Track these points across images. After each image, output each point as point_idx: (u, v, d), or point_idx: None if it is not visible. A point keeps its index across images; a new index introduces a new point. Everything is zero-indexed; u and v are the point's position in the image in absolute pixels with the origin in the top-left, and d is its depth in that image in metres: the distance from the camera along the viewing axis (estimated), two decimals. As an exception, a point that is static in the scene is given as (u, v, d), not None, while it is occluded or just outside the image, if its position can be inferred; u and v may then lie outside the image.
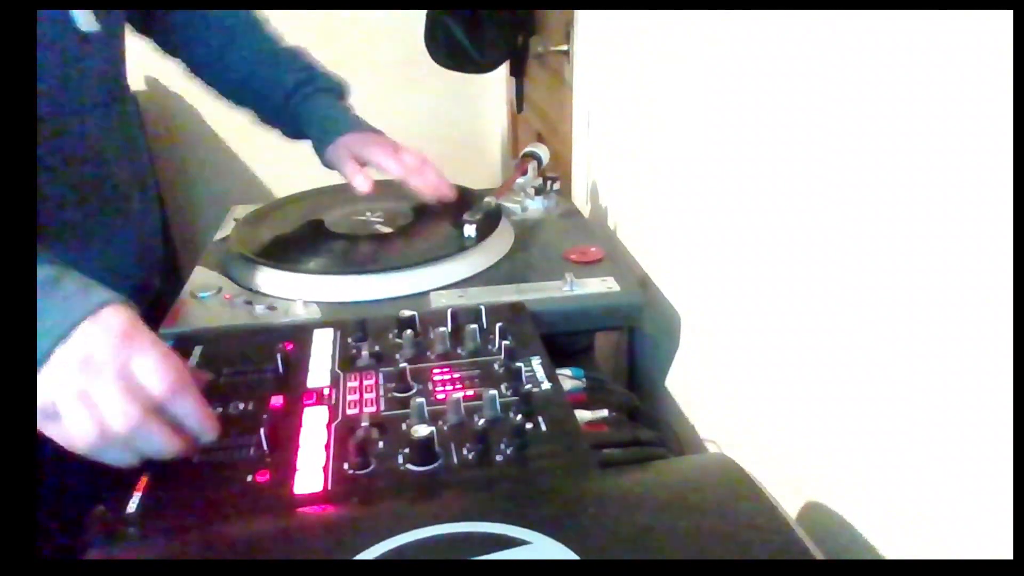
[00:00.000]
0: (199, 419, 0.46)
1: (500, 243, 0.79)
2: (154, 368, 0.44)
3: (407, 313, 0.61)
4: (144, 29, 0.81)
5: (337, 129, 0.83)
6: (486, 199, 0.83)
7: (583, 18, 1.02)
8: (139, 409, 0.43)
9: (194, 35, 0.82)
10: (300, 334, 0.61)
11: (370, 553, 0.35)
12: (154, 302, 0.78)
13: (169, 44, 0.82)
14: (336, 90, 0.87)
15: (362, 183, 0.80)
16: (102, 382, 0.43)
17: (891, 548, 0.43)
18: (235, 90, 0.86)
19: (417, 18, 1.38)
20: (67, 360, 0.43)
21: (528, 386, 0.52)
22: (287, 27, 1.60)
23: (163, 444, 0.44)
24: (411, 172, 0.82)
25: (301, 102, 0.84)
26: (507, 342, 0.57)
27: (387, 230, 0.82)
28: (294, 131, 0.86)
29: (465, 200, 0.86)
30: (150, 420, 0.44)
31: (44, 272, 0.46)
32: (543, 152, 0.93)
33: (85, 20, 0.63)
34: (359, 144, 0.82)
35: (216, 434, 0.47)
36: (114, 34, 0.68)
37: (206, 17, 0.82)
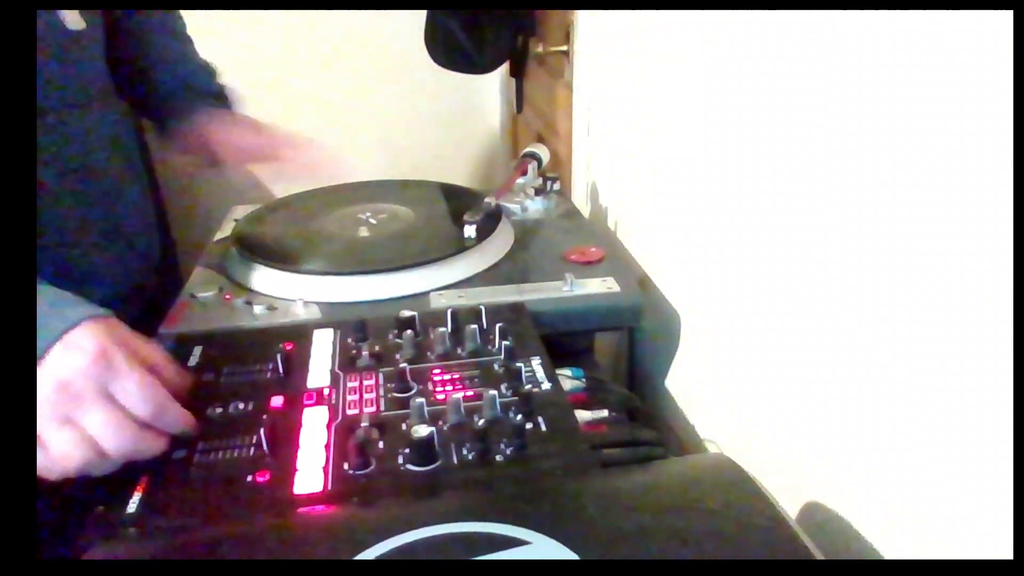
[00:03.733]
0: (182, 426, 0.47)
1: (500, 243, 0.79)
2: (135, 391, 0.44)
3: (407, 313, 0.61)
4: None
5: (198, 109, 0.82)
6: (486, 199, 0.83)
7: (583, 18, 1.02)
8: (133, 429, 0.44)
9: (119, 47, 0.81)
10: (300, 334, 0.61)
11: (370, 553, 0.35)
12: (152, 300, 0.78)
13: None
14: (218, 93, 0.87)
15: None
16: (86, 408, 0.43)
17: (891, 548, 0.43)
18: (144, 102, 0.86)
19: (417, 18, 1.38)
20: (41, 388, 0.43)
21: (528, 386, 0.52)
22: (287, 27, 1.61)
23: (154, 450, 0.45)
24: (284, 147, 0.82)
25: (184, 104, 0.83)
26: (507, 342, 0.57)
27: (387, 230, 0.82)
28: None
29: (465, 200, 0.86)
30: (143, 435, 0.45)
31: None
32: (543, 152, 0.93)
33: (72, 19, 0.63)
34: (232, 125, 0.82)
35: (195, 428, 0.48)
36: (98, 33, 0.69)
37: (131, 30, 0.81)
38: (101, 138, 0.67)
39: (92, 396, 0.43)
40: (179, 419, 0.47)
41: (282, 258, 0.74)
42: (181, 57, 0.86)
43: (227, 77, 0.91)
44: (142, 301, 0.75)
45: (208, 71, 0.87)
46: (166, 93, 0.84)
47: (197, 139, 0.82)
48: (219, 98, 0.87)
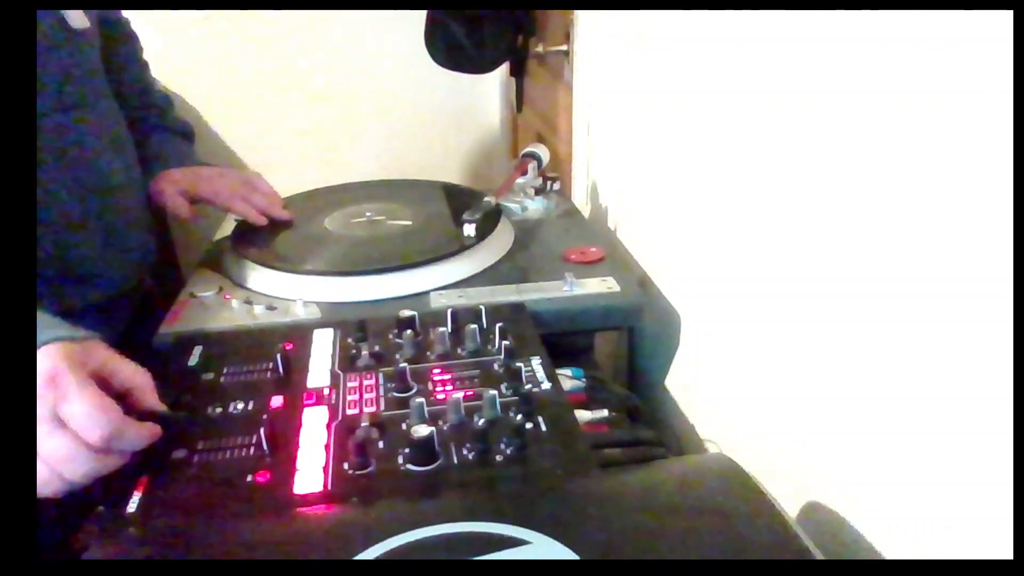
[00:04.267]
0: (143, 443, 0.45)
1: (500, 243, 0.79)
2: (84, 416, 0.42)
3: (407, 313, 0.61)
4: None
5: (162, 164, 0.84)
6: (486, 199, 0.83)
7: (583, 18, 1.02)
8: (84, 456, 0.42)
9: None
10: (300, 334, 0.61)
11: (370, 553, 0.35)
12: (148, 301, 0.78)
13: None
14: (180, 129, 0.89)
15: (185, 213, 0.82)
16: (42, 442, 0.41)
17: (891, 548, 0.43)
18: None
19: (417, 18, 1.38)
20: None
21: (528, 386, 0.52)
22: (287, 27, 1.61)
23: (112, 468, 0.44)
24: (233, 199, 0.83)
25: (142, 133, 0.84)
26: (507, 342, 0.57)
27: (387, 230, 0.82)
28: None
29: (465, 200, 0.86)
30: (96, 459, 0.43)
31: None
32: (543, 152, 0.93)
33: (77, 19, 0.63)
34: (184, 179, 0.83)
35: (155, 438, 0.46)
36: (97, 32, 0.69)
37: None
38: (101, 139, 0.67)
39: (44, 421, 0.42)
40: (137, 439, 0.45)
41: (282, 258, 0.74)
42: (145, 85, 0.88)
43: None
44: (138, 302, 0.75)
45: (167, 103, 0.89)
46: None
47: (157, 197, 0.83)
48: (182, 134, 0.89)
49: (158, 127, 0.87)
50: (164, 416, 0.48)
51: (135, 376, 0.48)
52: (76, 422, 0.42)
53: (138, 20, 0.91)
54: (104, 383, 0.45)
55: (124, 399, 0.46)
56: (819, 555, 0.35)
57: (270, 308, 0.67)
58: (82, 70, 0.65)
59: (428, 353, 0.58)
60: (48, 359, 0.43)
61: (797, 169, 0.49)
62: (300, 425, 0.49)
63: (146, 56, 0.91)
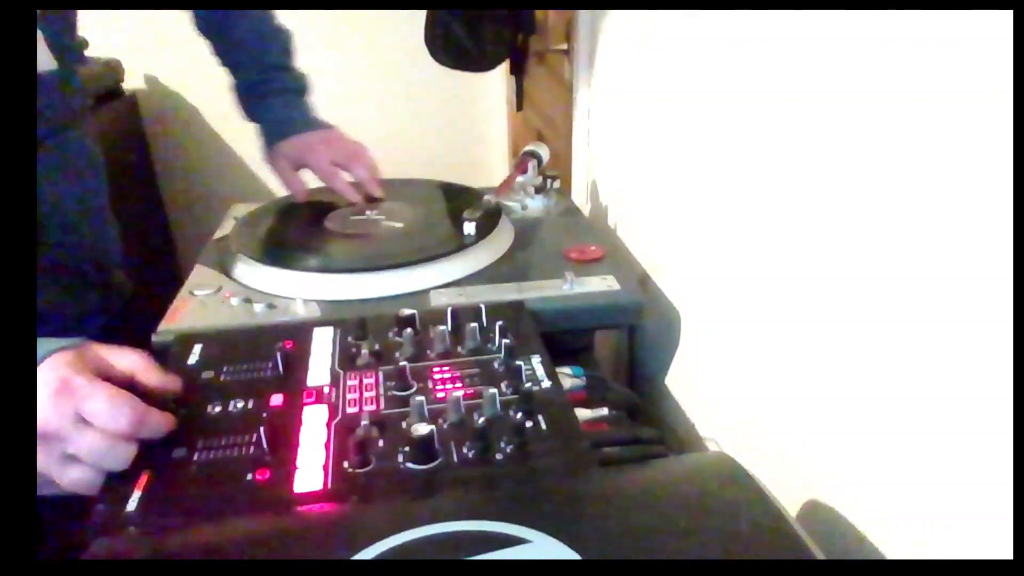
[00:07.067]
0: (164, 430, 0.47)
1: (500, 241, 0.79)
2: (106, 410, 0.44)
3: (407, 311, 0.61)
4: None
5: (281, 132, 0.89)
6: (486, 197, 0.83)
7: (583, 18, 1.02)
8: (121, 445, 0.44)
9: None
10: (300, 332, 0.61)
11: (370, 552, 0.35)
12: (143, 301, 0.76)
13: None
14: (295, 87, 0.91)
15: (299, 193, 0.89)
16: (72, 441, 0.43)
17: (891, 548, 0.43)
18: (227, 52, 0.90)
19: (417, 18, 1.38)
20: None
21: (528, 384, 0.52)
22: (286, 28, 1.60)
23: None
24: (332, 176, 0.88)
25: (260, 95, 0.89)
26: (507, 340, 0.57)
27: (387, 228, 0.82)
28: (251, 117, 0.92)
29: (465, 198, 0.86)
30: (133, 445, 0.45)
31: None
32: (543, 151, 0.93)
33: (44, 58, 0.60)
34: (293, 151, 0.89)
35: (173, 426, 0.48)
36: (70, 67, 0.65)
37: None
38: (55, 170, 0.63)
39: (70, 428, 0.43)
40: (160, 424, 0.47)
41: (282, 256, 0.74)
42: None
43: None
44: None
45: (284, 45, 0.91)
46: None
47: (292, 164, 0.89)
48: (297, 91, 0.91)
49: (276, 90, 0.89)
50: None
51: (133, 361, 0.49)
52: (101, 417, 0.44)
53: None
54: (107, 379, 0.46)
55: (132, 387, 0.48)
56: (819, 555, 0.35)
57: (270, 306, 0.67)
58: (47, 108, 0.61)
59: (428, 351, 0.58)
60: (52, 370, 0.44)
61: (797, 168, 0.49)
62: (300, 423, 0.49)
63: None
